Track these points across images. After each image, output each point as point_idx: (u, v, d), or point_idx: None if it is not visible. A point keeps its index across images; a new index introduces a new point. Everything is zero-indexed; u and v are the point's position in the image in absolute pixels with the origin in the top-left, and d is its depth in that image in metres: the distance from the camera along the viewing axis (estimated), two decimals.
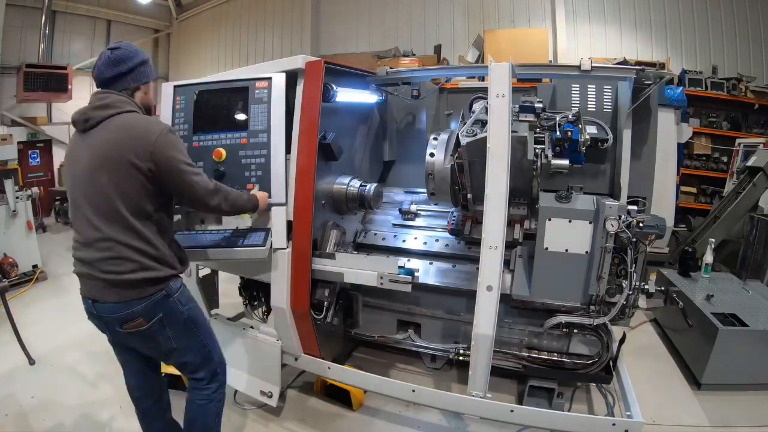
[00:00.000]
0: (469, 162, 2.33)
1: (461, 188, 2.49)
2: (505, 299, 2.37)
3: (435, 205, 2.98)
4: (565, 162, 2.30)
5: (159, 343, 1.81)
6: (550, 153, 2.26)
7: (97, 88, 1.81)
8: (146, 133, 1.68)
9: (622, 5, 6.36)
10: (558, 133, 2.28)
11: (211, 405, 1.98)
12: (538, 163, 2.24)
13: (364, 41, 7.98)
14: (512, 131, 2.16)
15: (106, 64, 1.77)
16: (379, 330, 2.92)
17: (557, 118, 2.35)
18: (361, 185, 2.78)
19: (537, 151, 2.24)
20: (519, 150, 2.20)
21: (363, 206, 2.83)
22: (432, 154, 2.54)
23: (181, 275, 1.85)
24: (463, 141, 2.20)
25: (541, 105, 2.38)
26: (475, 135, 2.18)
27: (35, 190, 5.07)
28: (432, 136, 2.62)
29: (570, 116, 2.38)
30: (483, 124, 2.25)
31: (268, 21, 9.06)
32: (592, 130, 2.43)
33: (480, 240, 2.68)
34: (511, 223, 2.58)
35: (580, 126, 2.34)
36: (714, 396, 2.80)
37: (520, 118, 2.32)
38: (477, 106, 2.53)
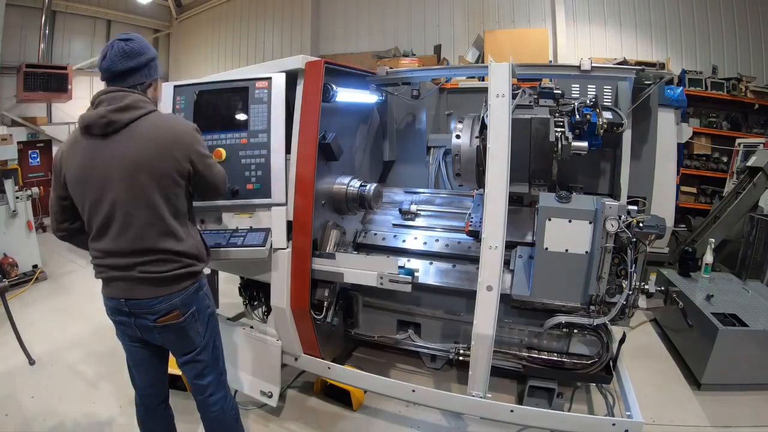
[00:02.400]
0: None
1: (485, 170, 2.51)
2: (505, 299, 2.37)
3: (460, 187, 2.97)
4: (585, 144, 2.35)
5: (189, 338, 1.79)
6: (570, 135, 2.33)
7: (104, 81, 1.69)
8: (182, 135, 1.67)
9: (622, 5, 6.35)
10: (577, 116, 2.36)
11: (227, 414, 1.96)
12: (559, 146, 2.33)
13: (364, 41, 7.98)
14: (533, 115, 2.30)
15: (120, 56, 1.64)
16: (379, 330, 2.92)
17: (575, 103, 2.44)
18: (361, 185, 2.78)
19: (557, 134, 2.34)
20: (541, 132, 2.32)
21: (363, 206, 2.83)
22: (458, 136, 2.56)
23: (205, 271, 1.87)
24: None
25: (560, 91, 2.51)
26: None
27: (35, 190, 5.07)
28: (456, 120, 2.65)
29: (588, 101, 2.47)
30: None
31: (268, 21, 9.06)
32: (608, 115, 2.47)
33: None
34: (531, 204, 2.70)
35: (597, 110, 2.41)
36: (714, 396, 2.80)
37: (540, 103, 2.42)
38: None
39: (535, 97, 2.51)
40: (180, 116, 1.87)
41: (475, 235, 2.77)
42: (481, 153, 2.46)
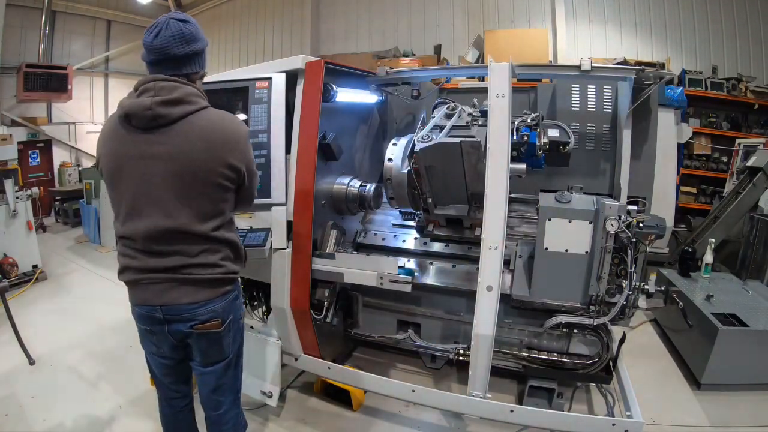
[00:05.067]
0: (427, 167, 2.32)
1: (421, 193, 2.49)
2: (505, 299, 2.37)
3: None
4: (522, 166, 2.31)
5: (222, 347, 1.65)
6: None
7: (150, 63, 1.49)
8: (238, 140, 1.53)
9: (622, 5, 6.35)
10: (515, 137, 2.27)
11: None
12: None
13: (364, 41, 7.98)
14: (469, 136, 2.19)
15: (178, 39, 1.44)
16: (379, 330, 2.92)
17: (516, 122, 2.34)
18: (361, 185, 2.78)
19: None
20: (474, 155, 2.21)
21: (363, 206, 2.83)
22: (390, 159, 2.53)
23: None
24: (418, 146, 2.20)
25: None
26: (431, 140, 2.17)
27: (35, 190, 5.07)
28: (392, 141, 2.60)
29: (529, 120, 2.39)
30: (441, 129, 2.26)
31: (268, 21, 9.06)
32: (554, 133, 2.43)
33: (459, 239, 2.74)
34: (472, 227, 2.63)
35: (539, 130, 2.35)
36: (714, 396, 2.80)
37: (480, 123, 2.32)
38: (437, 112, 2.52)
39: (477, 115, 2.39)
40: (235, 116, 1.65)
41: (421, 231, 2.80)
42: (413, 177, 2.42)
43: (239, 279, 1.76)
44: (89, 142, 8.65)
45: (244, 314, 1.82)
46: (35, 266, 4.86)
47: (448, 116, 2.39)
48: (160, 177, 1.47)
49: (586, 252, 2.18)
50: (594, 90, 2.81)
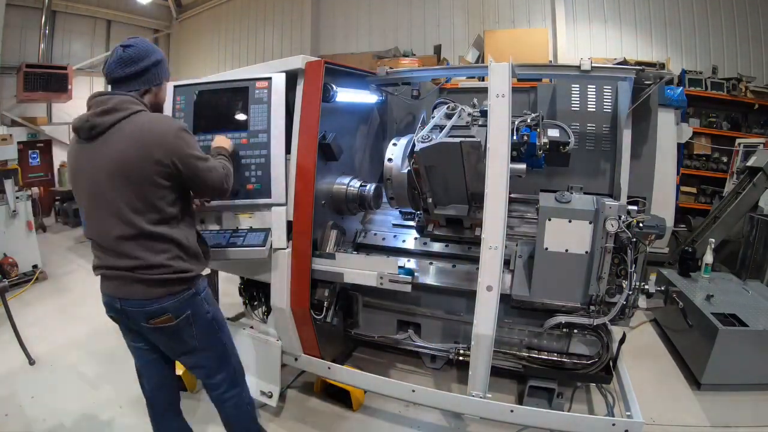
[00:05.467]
0: (427, 167, 2.32)
1: (420, 193, 2.49)
2: (505, 299, 2.37)
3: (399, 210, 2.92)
4: (522, 166, 2.31)
5: (183, 341, 1.79)
6: None
7: (107, 85, 1.74)
8: (164, 136, 1.62)
9: (622, 5, 6.35)
10: (515, 137, 2.27)
11: (241, 409, 1.99)
12: None
13: (364, 41, 7.98)
14: (469, 136, 2.18)
15: (117, 63, 1.67)
16: (379, 330, 2.92)
17: (516, 122, 2.34)
18: (361, 185, 2.78)
19: None
20: (473, 155, 2.20)
21: (363, 206, 2.82)
22: (390, 159, 2.53)
23: (203, 273, 1.85)
24: (418, 147, 2.20)
25: None
26: (431, 141, 2.17)
27: (35, 190, 5.09)
28: (392, 141, 2.61)
29: (529, 120, 2.39)
30: (441, 129, 2.26)
31: (268, 21, 9.06)
32: (554, 133, 2.42)
33: (459, 239, 2.73)
34: (472, 227, 2.63)
35: (539, 130, 2.35)
36: (714, 396, 2.80)
37: (480, 123, 2.32)
38: (437, 112, 2.52)
39: (477, 115, 2.40)
40: (168, 116, 1.81)
41: (421, 231, 2.80)
42: (413, 177, 2.42)
43: (200, 276, 1.81)
44: None
45: (213, 309, 1.86)
46: (35, 266, 4.86)
47: (448, 116, 2.39)
48: (102, 181, 1.61)
49: (586, 252, 2.18)
50: (594, 90, 2.81)
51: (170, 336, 1.76)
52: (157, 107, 1.82)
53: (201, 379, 1.96)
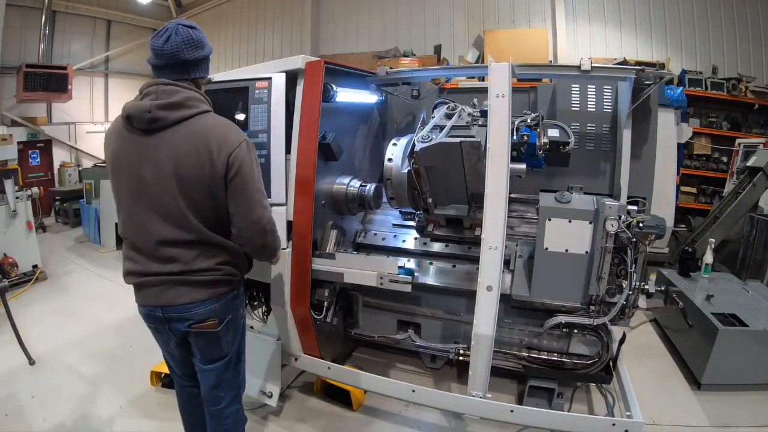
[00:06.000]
0: (427, 167, 2.32)
1: (421, 193, 2.49)
2: (505, 299, 2.37)
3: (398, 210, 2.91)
4: (522, 166, 2.31)
5: (220, 347, 1.70)
6: None
7: (158, 67, 1.53)
8: (232, 145, 1.51)
9: (622, 5, 6.35)
10: (515, 137, 2.27)
11: (237, 428, 1.90)
12: None
13: (364, 41, 7.98)
14: (469, 136, 2.18)
15: (189, 44, 1.49)
16: (379, 330, 2.92)
17: (516, 122, 2.34)
18: (361, 185, 2.78)
19: None
20: (474, 155, 2.20)
21: (363, 206, 2.82)
22: (390, 159, 2.53)
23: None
24: (418, 147, 2.20)
25: None
26: (431, 141, 2.18)
27: (35, 190, 5.07)
28: (392, 141, 2.60)
29: (529, 120, 2.39)
30: (441, 129, 2.26)
31: (268, 21, 9.06)
32: (554, 133, 2.43)
33: (459, 239, 2.73)
34: (472, 227, 2.62)
35: (539, 130, 2.35)
36: (714, 396, 2.80)
37: (480, 123, 2.32)
38: (437, 112, 2.52)
39: (477, 115, 2.39)
40: (231, 123, 1.63)
41: (421, 231, 2.79)
42: (413, 177, 2.42)
43: (241, 280, 1.78)
44: (89, 142, 8.65)
45: (245, 314, 1.84)
46: (35, 266, 4.85)
47: (448, 116, 2.39)
48: (155, 179, 1.50)
49: (586, 252, 2.18)
50: (594, 90, 2.81)
51: (210, 340, 1.67)
52: None
53: (207, 389, 1.78)
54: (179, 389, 1.95)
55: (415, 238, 2.92)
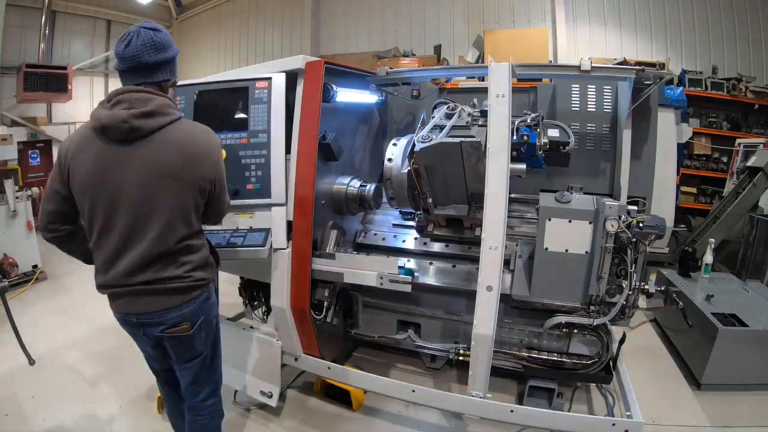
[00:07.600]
0: (427, 167, 2.32)
1: (421, 193, 2.50)
2: (505, 299, 2.37)
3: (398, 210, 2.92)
4: (522, 166, 2.31)
5: (194, 348, 1.74)
6: None
7: (123, 71, 1.52)
8: (210, 152, 1.58)
9: (622, 6, 6.36)
10: (515, 137, 2.27)
11: (214, 421, 1.94)
12: None
13: (364, 41, 7.98)
14: (469, 136, 2.18)
15: (151, 47, 1.47)
16: (379, 330, 2.92)
17: (516, 122, 2.34)
18: (361, 185, 2.78)
19: None
20: (473, 155, 2.21)
21: (363, 206, 2.83)
22: (390, 159, 2.53)
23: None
24: (418, 147, 2.20)
25: None
26: (431, 141, 2.18)
27: (35, 190, 5.06)
28: (392, 141, 2.61)
29: (529, 120, 2.39)
30: (441, 129, 2.26)
31: (268, 21, 9.06)
32: (554, 133, 2.43)
33: (459, 239, 2.73)
34: (472, 227, 2.62)
35: (539, 130, 2.35)
36: (714, 396, 2.80)
37: (480, 123, 2.32)
38: (437, 112, 2.52)
39: (477, 115, 2.39)
40: (207, 128, 1.67)
41: (421, 231, 2.79)
42: (413, 177, 2.42)
43: (212, 280, 1.80)
44: None
45: (217, 312, 1.86)
46: (35, 266, 4.86)
47: (448, 116, 2.39)
48: (135, 187, 1.50)
49: (586, 252, 2.18)
50: (594, 90, 2.81)
51: (183, 343, 1.72)
52: None
53: (186, 384, 1.85)
54: (162, 388, 2.01)
55: (415, 238, 2.92)
